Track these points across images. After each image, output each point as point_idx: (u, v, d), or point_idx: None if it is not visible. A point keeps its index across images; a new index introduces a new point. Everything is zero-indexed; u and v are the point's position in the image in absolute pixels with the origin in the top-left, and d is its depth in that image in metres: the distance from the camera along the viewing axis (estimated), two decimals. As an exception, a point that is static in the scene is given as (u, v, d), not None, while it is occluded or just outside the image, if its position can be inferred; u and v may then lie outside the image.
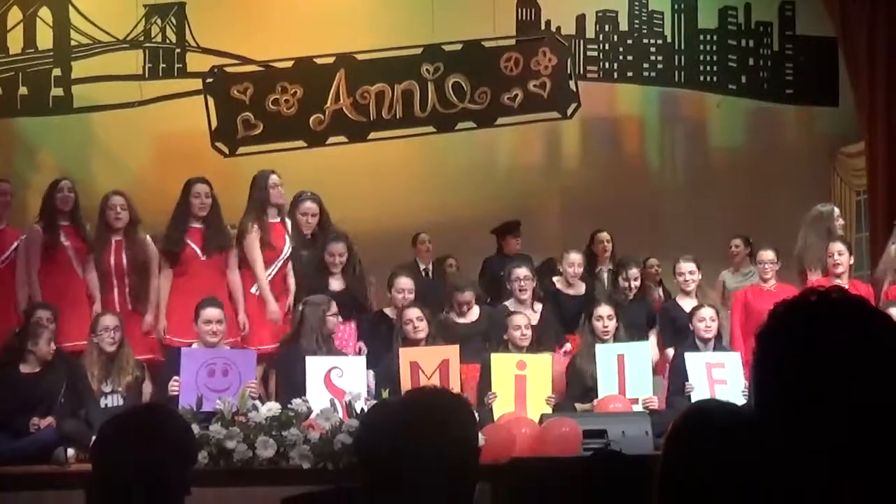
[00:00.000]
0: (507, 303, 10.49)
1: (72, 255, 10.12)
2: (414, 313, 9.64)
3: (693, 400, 9.36)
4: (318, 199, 10.57)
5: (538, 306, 10.49)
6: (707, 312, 10.03)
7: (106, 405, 8.88)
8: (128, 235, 10.15)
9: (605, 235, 12.00)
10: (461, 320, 10.28)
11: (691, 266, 10.59)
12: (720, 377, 9.55)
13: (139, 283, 10.08)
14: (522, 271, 10.55)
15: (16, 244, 10.19)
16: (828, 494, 2.01)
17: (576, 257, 10.96)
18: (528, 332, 9.80)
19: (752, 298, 10.63)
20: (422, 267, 12.53)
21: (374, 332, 10.16)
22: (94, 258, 10.11)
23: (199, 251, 10.08)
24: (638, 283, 11.07)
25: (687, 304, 10.44)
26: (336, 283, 10.16)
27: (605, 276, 11.76)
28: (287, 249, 10.34)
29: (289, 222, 10.44)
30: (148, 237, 10.25)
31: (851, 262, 10.78)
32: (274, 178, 10.41)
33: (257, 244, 10.17)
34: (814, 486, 2.01)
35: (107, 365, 9.12)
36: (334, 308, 9.55)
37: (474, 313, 10.36)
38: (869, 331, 2.09)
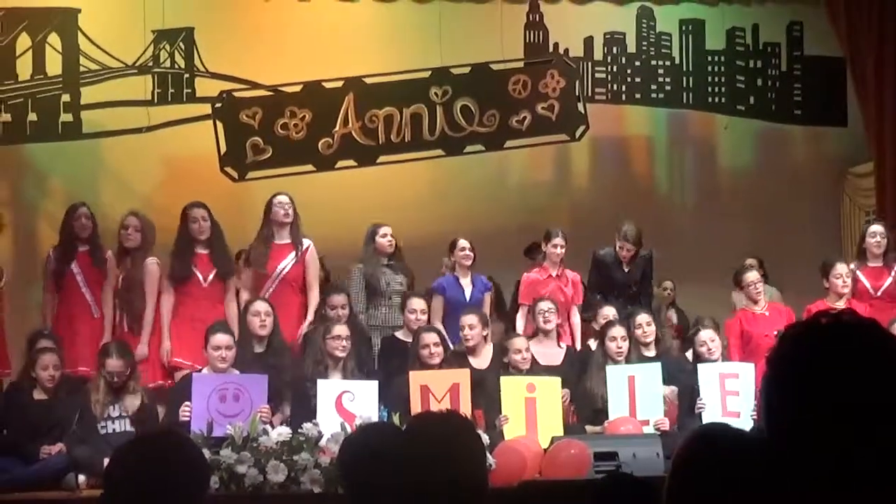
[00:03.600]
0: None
1: (80, 282, 10.16)
2: (431, 338, 9.59)
3: (705, 417, 9.38)
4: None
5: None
6: (707, 335, 10.05)
7: (114, 430, 8.87)
8: (134, 258, 10.18)
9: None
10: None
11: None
12: (732, 388, 9.54)
13: (136, 306, 10.11)
14: (548, 304, 10.51)
15: None
16: (835, 493, 2.01)
17: (610, 311, 10.79)
18: (529, 356, 9.80)
19: (746, 324, 10.63)
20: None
21: (387, 356, 10.14)
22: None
23: (201, 277, 10.12)
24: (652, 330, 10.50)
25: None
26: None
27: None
28: (284, 266, 10.37)
29: (305, 242, 10.48)
30: (148, 260, 10.25)
31: None
32: (279, 197, 10.43)
33: (247, 269, 10.35)
34: (820, 484, 2.02)
35: (115, 390, 9.10)
36: (336, 331, 9.53)
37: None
38: (880, 353, 2.09)
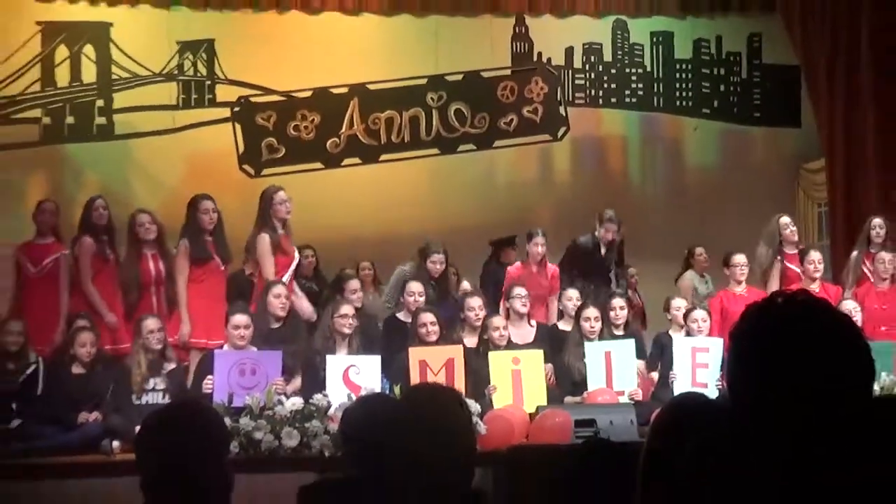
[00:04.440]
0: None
1: (112, 268, 10.17)
2: (428, 318, 9.57)
3: (676, 386, 9.40)
4: None
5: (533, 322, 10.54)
6: (700, 314, 10.07)
7: (147, 401, 8.88)
8: (160, 247, 10.17)
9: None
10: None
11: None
12: (703, 361, 9.56)
13: (171, 290, 10.10)
14: (522, 290, 10.52)
15: (56, 255, 10.18)
16: (792, 471, 2.02)
17: (573, 293, 10.76)
18: (506, 333, 9.80)
19: (727, 303, 10.65)
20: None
21: (389, 335, 10.14)
22: (125, 271, 10.13)
23: (220, 261, 10.11)
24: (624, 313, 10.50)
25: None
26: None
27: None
28: (297, 257, 10.36)
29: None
30: (173, 248, 10.26)
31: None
32: (281, 194, 10.36)
33: (269, 249, 10.11)
34: (780, 463, 2.03)
35: (151, 364, 9.11)
36: (343, 310, 9.54)
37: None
38: (829, 328, 2.10)
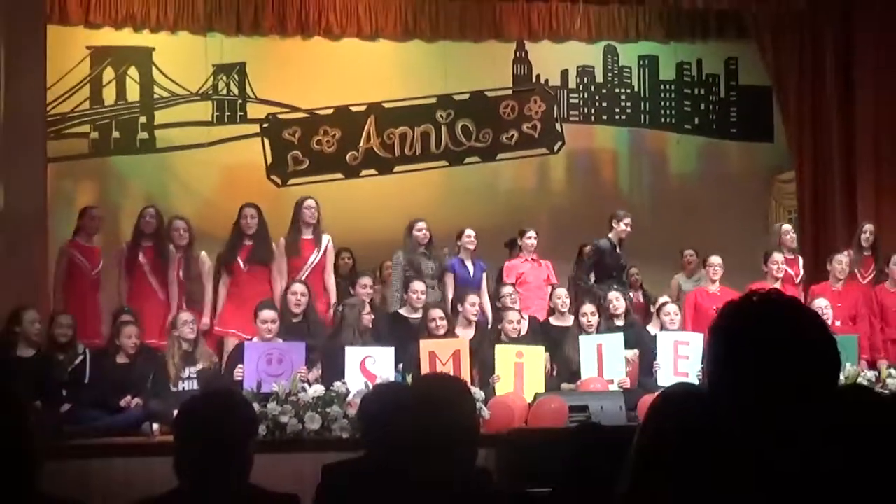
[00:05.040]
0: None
1: (147, 271, 10.18)
2: (437, 313, 9.60)
3: (659, 377, 9.37)
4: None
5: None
6: (672, 308, 10.07)
7: (184, 388, 8.89)
8: (186, 252, 10.20)
9: (590, 249, 11.94)
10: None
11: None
12: (684, 353, 9.52)
13: (194, 290, 10.12)
14: (509, 289, 10.66)
15: (103, 260, 10.27)
16: (767, 453, 2.01)
17: (562, 291, 10.73)
18: (519, 326, 9.80)
19: (700, 300, 10.61)
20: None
21: (394, 330, 10.12)
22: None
23: (242, 264, 10.13)
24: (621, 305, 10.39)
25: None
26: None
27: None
28: (314, 258, 10.33)
29: (326, 238, 10.44)
30: (203, 253, 10.29)
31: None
32: (309, 202, 10.43)
33: (283, 252, 10.27)
34: (756, 446, 2.02)
35: (186, 355, 9.14)
36: (368, 308, 9.57)
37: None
38: (799, 324, 2.09)
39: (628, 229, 11.25)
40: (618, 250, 11.31)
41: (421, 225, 10.79)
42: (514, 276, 11.12)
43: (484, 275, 11.06)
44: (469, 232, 11.03)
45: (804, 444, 2.02)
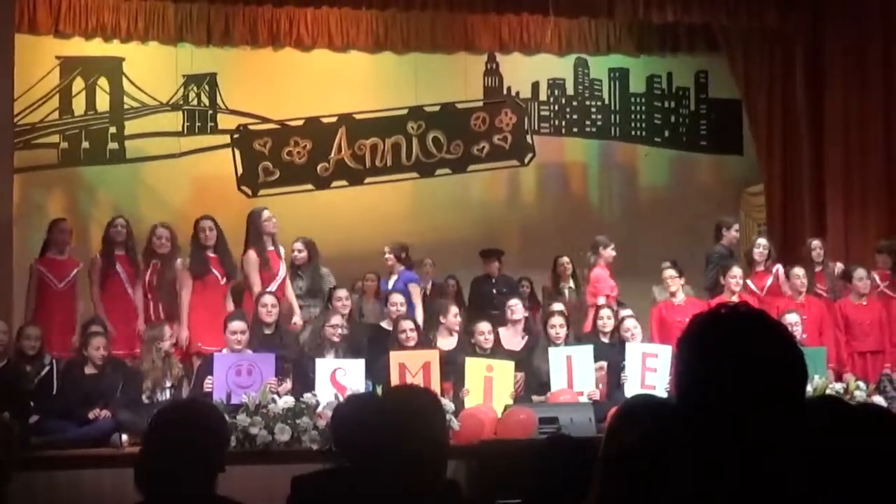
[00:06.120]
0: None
1: (124, 279, 10.10)
2: (407, 325, 9.59)
3: (627, 388, 9.38)
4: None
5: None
6: (631, 323, 10.05)
7: (156, 399, 8.84)
8: (165, 262, 10.10)
9: (565, 259, 11.94)
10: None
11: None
12: (652, 365, 9.50)
13: (169, 300, 10.04)
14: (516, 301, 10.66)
15: (76, 270, 10.15)
16: (733, 464, 2.03)
17: (558, 306, 10.66)
18: (491, 337, 9.80)
19: (665, 312, 10.61)
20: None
21: (373, 342, 10.11)
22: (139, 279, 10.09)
23: (219, 276, 10.05)
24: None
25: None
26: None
27: (567, 293, 11.74)
28: (282, 271, 10.27)
29: (282, 249, 10.37)
30: (179, 261, 10.18)
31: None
32: (266, 212, 10.34)
33: (256, 266, 10.08)
34: (723, 456, 2.03)
35: (160, 366, 9.07)
36: (333, 321, 9.51)
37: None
38: (767, 337, 2.11)
39: (738, 236, 11.53)
40: (732, 254, 11.40)
41: (297, 245, 10.73)
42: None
43: (408, 285, 11.01)
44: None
45: (773, 453, 2.03)
